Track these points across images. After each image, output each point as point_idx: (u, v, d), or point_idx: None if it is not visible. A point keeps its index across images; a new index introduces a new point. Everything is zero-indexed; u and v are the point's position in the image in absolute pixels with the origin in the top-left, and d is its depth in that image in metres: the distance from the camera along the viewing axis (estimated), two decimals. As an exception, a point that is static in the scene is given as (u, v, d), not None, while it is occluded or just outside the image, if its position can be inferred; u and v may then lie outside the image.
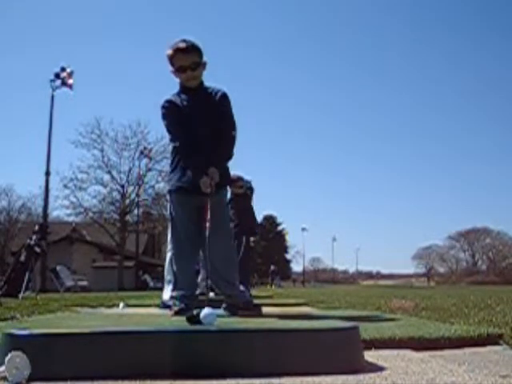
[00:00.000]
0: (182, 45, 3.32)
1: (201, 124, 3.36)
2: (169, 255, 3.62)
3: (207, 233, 3.08)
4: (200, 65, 3.37)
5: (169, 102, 3.42)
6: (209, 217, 3.11)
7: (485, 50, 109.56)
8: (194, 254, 3.51)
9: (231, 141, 3.40)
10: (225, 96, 3.45)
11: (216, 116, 3.39)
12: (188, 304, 3.24)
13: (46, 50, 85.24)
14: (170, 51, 3.33)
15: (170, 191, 3.53)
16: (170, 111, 3.39)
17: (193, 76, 3.37)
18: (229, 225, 3.69)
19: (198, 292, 3.70)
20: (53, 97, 25.81)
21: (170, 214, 3.54)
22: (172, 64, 3.36)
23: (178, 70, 3.36)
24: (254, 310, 3.38)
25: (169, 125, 3.40)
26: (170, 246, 3.61)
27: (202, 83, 3.46)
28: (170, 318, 3.03)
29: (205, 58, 3.40)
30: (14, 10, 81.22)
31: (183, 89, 3.45)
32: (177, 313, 3.18)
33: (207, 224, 3.09)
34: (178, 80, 3.45)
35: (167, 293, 3.59)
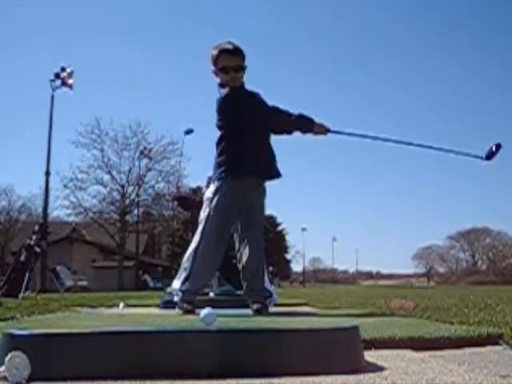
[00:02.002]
0: (229, 46, 3.43)
1: (250, 114, 3.49)
2: (194, 245, 3.53)
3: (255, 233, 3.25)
4: (243, 68, 3.47)
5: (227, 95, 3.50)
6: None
7: (485, 50, 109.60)
8: (222, 248, 3.50)
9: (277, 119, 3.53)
10: (258, 94, 3.61)
11: (262, 108, 3.54)
12: (195, 302, 3.33)
13: (46, 49, 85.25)
14: (215, 51, 3.42)
15: (219, 178, 3.48)
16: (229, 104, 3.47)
17: (235, 78, 3.46)
18: (263, 225, 3.72)
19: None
20: (53, 97, 25.89)
21: (216, 201, 3.47)
22: (215, 64, 3.44)
23: (222, 71, 3.43)
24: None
25: (225, 115, 3.49)
26: (199, 236, 3.53)
27: (243, 87, 3.56)
28: (178, 316, 3.06)
29: (246, 63, 3.49)
30: (14, 10, 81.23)
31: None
32: (186, 312, 3.22)
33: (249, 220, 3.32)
34: (218, 80, 3.51)
35: (179, 281, 3.57)
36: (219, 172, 3.46)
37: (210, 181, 6.21)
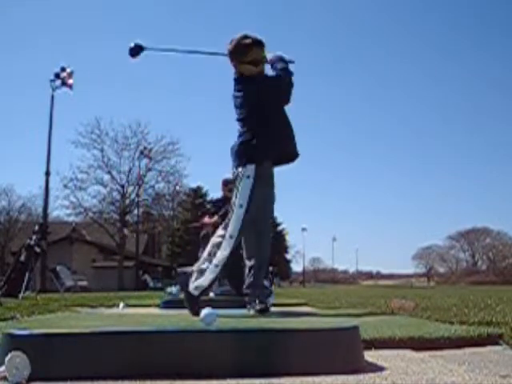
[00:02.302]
0: (258, 39, 3.45)
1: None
2: (219, 239, 3.39)
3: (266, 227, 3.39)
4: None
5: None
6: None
7: (486, 49, 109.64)
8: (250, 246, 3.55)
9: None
10: None
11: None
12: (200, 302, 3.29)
13: (46, 50, 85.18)
14: (247, 40, 3.40)
15: (255, 160, 3.41)
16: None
17: (261, 69, 3.52)
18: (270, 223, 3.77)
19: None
20: (53, 97, 25.82)
21: (249, 199, 3.37)
22: (245, 55, 3.40)
23: (252, 63, 3.43)
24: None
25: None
26: (230, 230, 3.37)
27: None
28: (178, 316, 3.05)
29: None
30: (14, 10, 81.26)
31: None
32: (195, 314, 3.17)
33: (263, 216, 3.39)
34: (242, 71, 3.47)
35: (196, 282, 3.40)
36: (247, 158, 3.40)
37: (225, 183, 6.17)
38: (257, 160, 3.38)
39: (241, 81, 3.48)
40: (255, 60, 3.41)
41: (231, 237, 3.33)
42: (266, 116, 3.42)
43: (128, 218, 35.78)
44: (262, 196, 3.39)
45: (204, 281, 3.36)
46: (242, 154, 3.41)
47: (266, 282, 3.82)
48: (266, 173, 3.43)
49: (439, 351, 2.13)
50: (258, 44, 3.42)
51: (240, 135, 3.45)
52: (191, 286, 3.37)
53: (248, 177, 3.35)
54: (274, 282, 42.11)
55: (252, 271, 3.48)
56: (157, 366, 1.53)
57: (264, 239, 3.49)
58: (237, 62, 3.44)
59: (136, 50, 3.69)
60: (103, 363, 1.52)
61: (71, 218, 36.06)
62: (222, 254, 3.32)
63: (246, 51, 3.39)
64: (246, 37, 3.42)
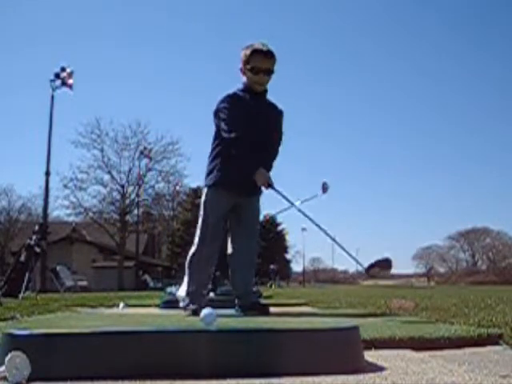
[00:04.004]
0: (264, 48, 3.39)
1: (259, 127, 3.41)
2: (193, 250, 3.52)
3: (248, 232, 3.19)
4: (272, 72, 3.44)
5: (236, 95, 3.47)
6: (251, 218, 3.21)
7: (486, 49, 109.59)
8: (216, 253, 3.53)
9: (276, 153, 3.55)
10: (282, 112, 3.60)
11: (273, 127, 3.51)
12: (201, 303, 3.32)
13: (46, 49, 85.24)
14: (248, 51, 3.38)
15: (208, 185, 3.50)
16: (236, 104, 3.43)
17: (264, 80, 3.44)
18: (257, 228, 3.68)
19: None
20: (53, 97, 25.84)
21: (204, 208, 3.49)
22: (247, 62, 3.39)
23: (252, 71, 3.38)
24: (262, 310, 3.45)
25: (230, 115, 3.38)
26: (195, 241, 3.53)
27: (266, 91, 3.54)
28: (185, 318, 3.06)
29: (275, 68, 3.46)
30: (14, 10, 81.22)
31: (248, 90, 3.48)
32: (193, 313, 3.21)
33: (249, 225, 3.19)
34: (244, 79, 3.48)
35: (184, 288, 3.59)
36: (208, 178, 3.50)
37: None
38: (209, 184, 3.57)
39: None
40: (255, 67, 3.36)
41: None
42: (250, 128, 3.44)
43: (128, 217, 35.78)
44: (226, 213, 3.51)
45: (181, 291, 3.55)
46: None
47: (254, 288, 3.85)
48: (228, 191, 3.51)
49: (439, 351, 2.13)
50: (262, 52, 3.37)
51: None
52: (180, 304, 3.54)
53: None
54: (275, 281, 42.13)
55: (236, 288, 3.58)
56: (157, 365, 1.53)
57: (242, 255, 3.50)
58: (242, 69, 3.45)
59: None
60: (103, 363, 1.52)
61: (71, 218, 36.08)
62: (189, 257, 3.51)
63: (247, 59, 3.38)
64: (250, 45, 3.41)
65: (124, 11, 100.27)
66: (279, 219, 70.48)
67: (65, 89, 26.24)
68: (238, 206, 3.45)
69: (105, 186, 34.93)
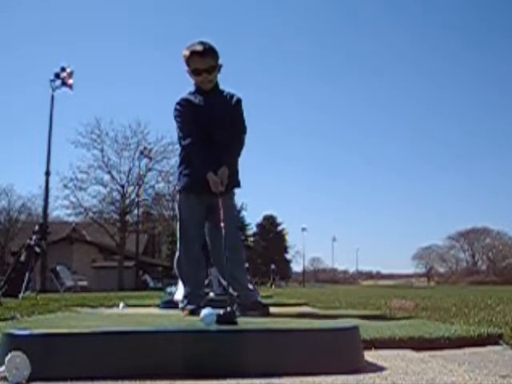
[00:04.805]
0: (199, 48, 3.33)
1: (215, 125, 3.41)
2: (177, 254, 3.61)
3: (223, 232, 3.14)
4: (216, 68, 3.39)
5: (185, 100, 3.46)
6: (222, 217, 3.15)
7: (486, 50, 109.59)
8: (201, 254, 3.56)
9: (241, 143, 3.50)
10: (239, 101, 3.55)
11: (230, 119, 3.46)
12: (200, 303, 3.33)
13: (46, 49, 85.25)
14: (186, 52, 3.35)
15: (179, 191, 3.58)
16: (186, 109, 3.43)
17: (208, 79, 3.40)
18: (236, 225, 3.69)
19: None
20: (53, 97, 25.83)
21: (179, 213, 3.56)
22: (188, 65, 3.38)
23: (194, 72, 3.38)
24: (262, 310, 3.40)
25: (183, 122, 3.41)
26: (178, 246, 3.60)
27: (217, 86, 3.50)
28: (183, 318, 3.06)
29: (220, 61, 3.40)
30: (14, 10, 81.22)
31: (199, 90, 3.47)
32: (191, 313, 3.21)
33: (222, 224, 3.13)
34: (193, 81, 3.47)
35: (180, 292, 3.64)
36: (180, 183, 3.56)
37: None
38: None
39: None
40: (197, 69, 3.35)
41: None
42: (206, 129, 3.46)
43: (128, 217, 35.76)
44: (202, 215, 3.55)
45: (178, 295, 3.59)
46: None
47: (251, 287, 3.77)
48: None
49: (439, 351, 2.13)
50: (198, 53, 3.32)
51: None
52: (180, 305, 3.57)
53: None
54: (275, 281, 42.15)
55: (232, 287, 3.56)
56: (157, 366, 1.53)
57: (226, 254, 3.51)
58: (188, 72, 3.45)
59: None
60: (103, 363, 1.52)
61: (71, 218, 36.05)
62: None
63: (187, 61, 3.36)
64: (189, 46, 3.37)
65: (124, 11, 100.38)
66: (279, 219, 70.60)
67: (65, 89, 26.25)
68: (211, 206, 3.41)
69: (105, 186, 34.91)
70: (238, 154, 3.50)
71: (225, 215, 3.22)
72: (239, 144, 3.49)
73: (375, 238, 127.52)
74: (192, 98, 3.46)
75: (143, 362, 1.53)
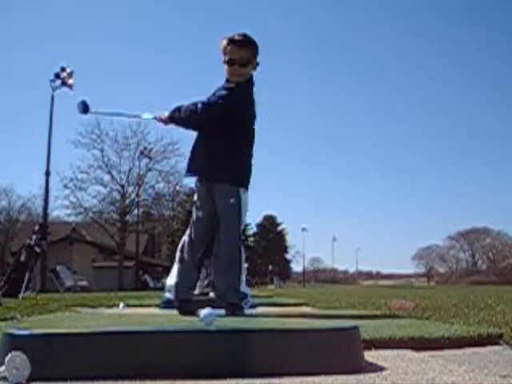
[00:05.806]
0: (238, 37, 3.20)
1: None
2: (183, 237, 3.52)
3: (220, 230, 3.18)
4: (251, 63, 3.24)
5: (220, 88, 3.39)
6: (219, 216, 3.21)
7: (485, 49, 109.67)
8: (202, 242, 3.47)
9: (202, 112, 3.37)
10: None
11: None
12: (189, 296, 3.34)
13: (46, 49, 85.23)
14: (224, 41, 3.23)
15: (241, 184, 3.35)
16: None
17: (239, 72, 3.23)
18: (233, 224, 3.64)
19: (197, 292, 3.71)
20: (53, 97, 25.80)
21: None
22: (224, 54, 3.24)
23: (228, 63, 3.23)
24: (233, 310, 3.24)
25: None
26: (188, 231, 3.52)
27: (247, 82, 3.32)
28: (178, 316, 3.05)
29: (258, 58, 3.27)
30: (14, 10, 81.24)
31: (226, 82, 3.35)
32: (182, 302, 3.24)
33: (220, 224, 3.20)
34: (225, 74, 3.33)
35: (172, 278, 3.61)
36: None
37: None
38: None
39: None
40: (230, 60, 3.22)
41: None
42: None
43: (128, 217, 35.77)
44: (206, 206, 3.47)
45: (170, 279, 3.55)
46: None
47: (243, 286, 3.68)
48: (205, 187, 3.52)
49: (439, 351, 2.13)
50: (235, 42, 3.20)
51: None
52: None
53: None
54: (274, 281, 42.16)
55: (216, 285, 3.55)
56: (157, 366, 1.53)
57: (223, 253, 3.38)
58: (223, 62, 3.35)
59: (83, 108, 3.64)
60: (103, 363, 1.52)
61: (71, 218, 36.08)
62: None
63: (223, 51, 3.26)
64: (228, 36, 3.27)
65: (124, 11, 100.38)
66: (279, 219, 70.59)
67: (65, 89, 26.21)
68: (214, 195, 3.36)
69: (105, 186, 34.94)
70: (193, 122, 3.45)
71: (225, 212, 3.22)
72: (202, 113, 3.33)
73: (375, 238, 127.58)
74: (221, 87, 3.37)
75: (143, 362, 1.53)
